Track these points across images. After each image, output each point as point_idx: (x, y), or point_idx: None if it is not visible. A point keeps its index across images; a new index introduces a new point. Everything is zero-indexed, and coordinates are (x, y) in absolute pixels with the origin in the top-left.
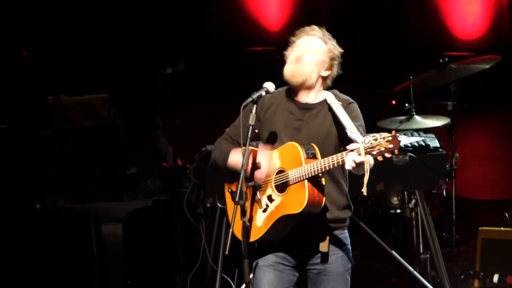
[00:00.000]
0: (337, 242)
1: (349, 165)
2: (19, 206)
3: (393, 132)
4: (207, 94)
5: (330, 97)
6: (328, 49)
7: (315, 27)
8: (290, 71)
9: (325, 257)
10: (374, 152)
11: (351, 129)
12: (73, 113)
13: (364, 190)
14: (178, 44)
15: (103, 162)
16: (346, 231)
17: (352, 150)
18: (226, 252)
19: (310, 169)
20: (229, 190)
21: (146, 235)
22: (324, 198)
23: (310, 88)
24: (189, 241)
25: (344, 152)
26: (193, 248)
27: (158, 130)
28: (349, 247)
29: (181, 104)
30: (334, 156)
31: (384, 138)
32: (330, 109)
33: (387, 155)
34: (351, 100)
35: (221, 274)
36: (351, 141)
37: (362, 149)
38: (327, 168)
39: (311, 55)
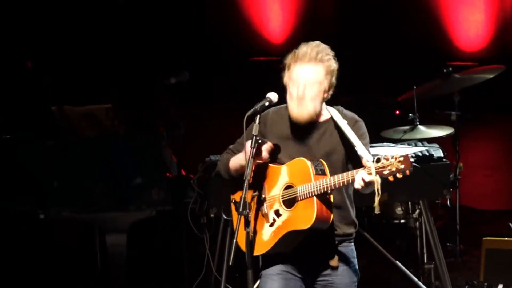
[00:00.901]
0: (344, 254)
1: (358, 184)
2: (24, 216)
3: (405, 154)
4: (211, 105)
5: (335, 114)
6: (326, 71)
7: (309, 48)
8: (296, 112)
9: (333, 269)
10: (385, 172)
11: (359, 146)
12: (77, 124)
13: (377, 209)
14: (182, 53)
15: (107, 173)
16: (353, 243)
17: (363, 169)
18: (230, 263)
19: (320, 186)
20: (233, 201)
21: (150, 245)
22: (332, 215)
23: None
24: (193, 251)
25: (354, 171)
26: (197, 258)
27: (162, 140)
28: (356, 260)
29: (184, 114)
30: (344, 174)
31: (396, 158)
32: (336, 126)
33: (398, 175)
34: (357, 118)
35: (225, 285)
36: (358, 158)
37: (373, 169)
38: (337, 186)
39: (312, 88)
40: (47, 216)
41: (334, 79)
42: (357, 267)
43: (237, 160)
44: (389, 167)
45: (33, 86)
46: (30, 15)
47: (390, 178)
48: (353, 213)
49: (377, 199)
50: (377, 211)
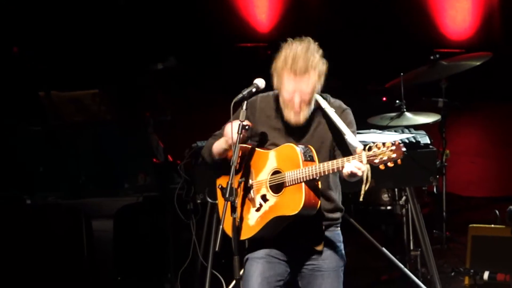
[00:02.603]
0: (330, 239)
1: (347, 172)
2: (9, 201)
3: (397, 142)
4: (198, 90)
5: (323, 102)
6: (318, 76)
7: (299, 56)
8: (292, 119)
9: (319, 253)
10: (376, 161)
11: (348, 134)
12: (64, 109)
13: (362, 197)
14: (169, 40)
15: (93, 158)
16: (339, 228)
17: (353, 157)
18: (217, 249)
19: (308, 172)
20: (219, 186)
21: (137, 231)
22: (319, 201)
23: None
24: (179, 237)
25: (345, 158)
26: (184, 244)
27: (149, 126)
28: (342, 244)
29: (171, 100)
30: (334, 161)
31: (387, 147)
32: (324, 114)
33: (389, 164)
34: (344, 106)
35: (211, 270)
36: (346, 146)
37: (364, 157)
38: (326, 173)
39: (306, 96)
40: (33, 202)
41: (324, 78)
42: (343, 251)
43: (219, 144)
44: (380, 156)
45: (19, 71)
46: (16, 1)
47: (381, 166)
48: (339, 198)
49: (364, 186)
50: (361, 198)
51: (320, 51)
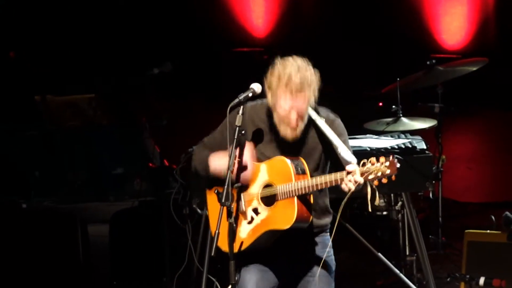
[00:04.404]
0: (320, 245)
1: (343, 188)
2: (5, 206)
3: (391, 157)
4: (194, 95)
5: (312, 113)
6: (312, 91)
7: (293, 75)
8: (289, 134)
9: (310, 260)
10: (371, 177)
11: (341, 148)
12: (60, 113)
13: (369, 207)
14: (166, 45)
15: (89, 163)
16: (328, 233)
17: (347, 173)
18: (212, 254)
19: (300, 186)
20: (216, 191)
21: (132, 236)
22: (311, 215)
23: None
24: (175, 242)
25: (338, 174)
26: (179, 249)
27: (144, 131)
28: (332, 249)
29: (167, 105)
30: (328, 176)
31: (381, 163)
32: (314, 125)
33: (383, 180)
34: (332, 116)
35: (207, 275)
36: (337, 157)
37: (358, 173)
38: (319, 188)
39: (302, 112)
40: (29, 206)
41: (317, 90)
42: (333, 256)
43: (218, 167)
44: (375, 172)
45: (16, 75)
46: (13, 4)
47: (375, 182)
48: (327, 203)
49: (369, 196)
50: (370, 209)
51: (310, 64)
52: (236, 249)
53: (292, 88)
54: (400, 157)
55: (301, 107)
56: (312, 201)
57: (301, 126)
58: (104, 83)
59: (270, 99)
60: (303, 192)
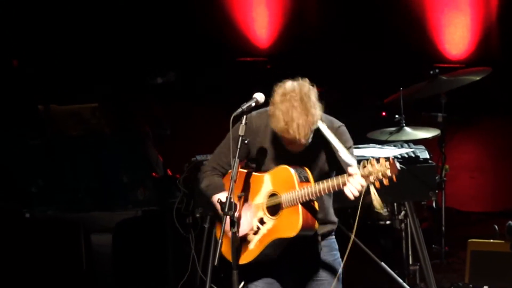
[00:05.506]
0: (326, 249)
1: (351, 193)
2: (8, 215)
3: (391, 158)
4: (197, 104)
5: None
6: (315, 120)
7: (294, 115)
8: (294, 148)
9: (317, 264)
10: (372, 179)
11: (343, 153)
12: (63, 122)
13: (380, 209)
14: (170, 54)
15: (92, 172)
16: (334, 237)
17: (348, 177)
18: (215, 263)
19: (304, 193)
20: (218, 201)
21: (136, 245)
22: (316, 222)
23: None
24: (179, 251)
25: (339, 177)
26: (183, 258)
27: (147, 140)
28: (338, 252)
29: (170, 114)
30: (330, 180)
31: (381, 164)
32: (318, 133)
33: (384, 182)
34: (338, 123)
35: (210, 285)
36: (339, 163)
37: (359, 175)
38: (322, 193)
39: (306, 133)
40: (32, 215)
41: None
42: (340, 259)
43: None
44: (376, 173)
45: (19, 84)
46: (16, 13)
47: (376, 184)
48: (332, 210)
49: (373, 196)
50: (381, 211)
51: (312, 85)
52: (244, 261)
53: (295, 137)
54: (403, 166)
55: (305, 135)
56: (317, 208)
57: (306, 142)
58: (106, 91)
59: (273, 125)
60: (307, 198)
